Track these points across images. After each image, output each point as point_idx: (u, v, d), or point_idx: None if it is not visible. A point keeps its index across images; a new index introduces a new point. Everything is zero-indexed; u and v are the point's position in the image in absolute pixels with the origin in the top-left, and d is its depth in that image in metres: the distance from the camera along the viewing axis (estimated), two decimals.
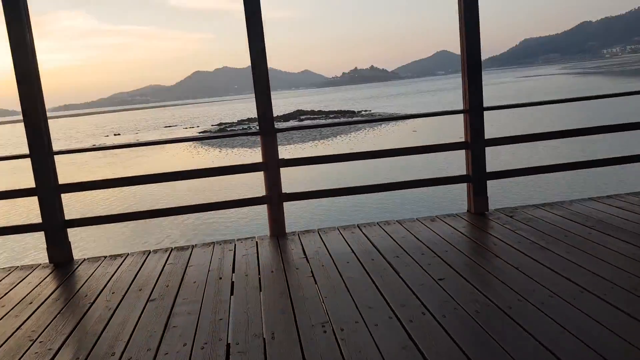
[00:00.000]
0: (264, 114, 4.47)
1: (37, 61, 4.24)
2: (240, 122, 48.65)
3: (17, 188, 4.50)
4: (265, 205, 4.71)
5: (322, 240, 4.43)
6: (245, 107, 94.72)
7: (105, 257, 4.59)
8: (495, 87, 71.79)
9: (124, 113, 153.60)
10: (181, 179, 4.72)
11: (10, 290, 3.95)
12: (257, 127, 4.57)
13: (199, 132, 41.48)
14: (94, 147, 4.43)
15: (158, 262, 4.27)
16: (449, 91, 75.67)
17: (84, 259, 4.56)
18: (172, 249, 4.60)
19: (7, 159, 4.46)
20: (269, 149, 4.56)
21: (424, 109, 43.18)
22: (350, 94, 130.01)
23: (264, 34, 4.32)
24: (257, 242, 4.60)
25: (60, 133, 61.10)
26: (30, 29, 4.16)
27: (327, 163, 4.82)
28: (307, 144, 26.26)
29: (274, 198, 4.62)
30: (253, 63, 4.34)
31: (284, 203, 4.67)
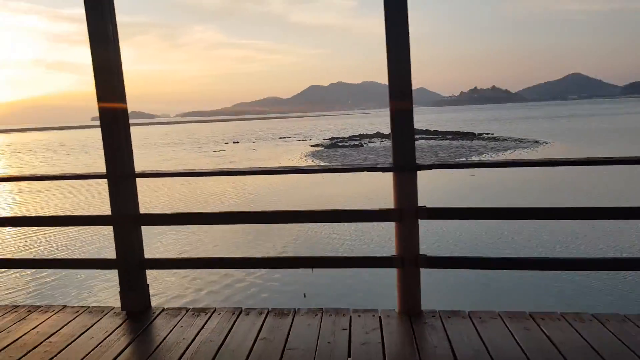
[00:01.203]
0: (402, 144, 3.21)
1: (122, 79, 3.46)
2: (352, 137, 48.09)
3: (92, 214, 3.75)
4: (394, 270, 3.43)
5: (478, 333, 3.04)
6: (357, 123, 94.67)
7: (187, 310, 3.65)
8: None
9: (243, 122, 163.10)
10: (296, 220, 3.62)
11: (76, 339, 3.18)
12: (384, 157, 3.32)
13: (311, 145, 41.61)
14: (179, 171, 3.49)
15: (249, 332, 3.21)
16: (586, 118, 68.20)
17: (162, 310, 3.66)
18: (268, 312, 3.53)
19: (83, 177, 3.75)
20: (405, 192, 3.28)
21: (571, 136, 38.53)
22: (470, 114, 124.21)
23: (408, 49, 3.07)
24: (380, 320, 3.33)
25: (185, 137, 65.75)
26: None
27: (490, 219, 3.41)
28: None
29: (409, 261, 3.33)
30: (394, 85, 3.11)
31: (423, 269, 3.36)
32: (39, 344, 3.13)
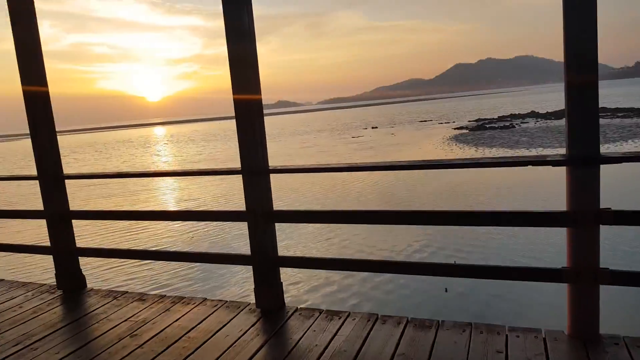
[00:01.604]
0: (582, 130, 2.54)
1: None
2: (501, 118, 44.67)
3: (227, 210, 3.74)
4: (564, 284, 2.80)
5: None
6: (507, 102, 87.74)
7: (320, 312, 3.47)
8: None
9: (383, 106, 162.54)
10: (428, 222, 3.19)
11: (213, 335, 3.21)
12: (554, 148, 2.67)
13: (454, 128, 39.62)
14: (312, 166, 3.26)
15: (386, 345, 2.90)
16: None
17: (296, 309, 3.53)
18: (407, 322, 3.17)
19: (219, 173, 3.76)
20: (584, 190, 2.62)
21: None
22: None
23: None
24: (546, 343, 2.76)
25: (325, 124, 67.76)
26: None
27: None
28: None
29: (586, 276, 2.68)
30: (574, 53, 2.45)
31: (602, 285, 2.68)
32: (179, 339, 3.21)
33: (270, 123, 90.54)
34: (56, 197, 4.25)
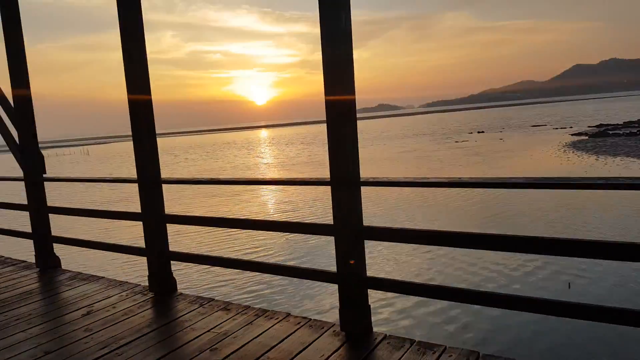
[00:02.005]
0: None
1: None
2: (628, 124, 40.17)
3: (314, 222, 3.52)
4: None
5: None
6: (635, 106, 78.82)
7: (412, 342, 3.11)
8: None
9: (491, 110, 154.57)
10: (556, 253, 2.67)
11: (293, 359, 3.00)
12: None
13: (572, 134, 36.31)
14: (410, 180, 2.91)
15: None
16: None
17: (384, 337, 3.21)
18: None
19: (307, 183, 3.56)
20: None
21: None
22: None
23: None
24: None
25: (427, 128, 65.95)
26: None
27: None
28: None
29: None
30: None
31: None
32: (258, 358, 3.04)
33: (369, 126, 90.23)
34: (153, 201, 4.35)
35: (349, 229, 3.20)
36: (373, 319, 3.40)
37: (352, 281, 3.25)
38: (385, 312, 6.23)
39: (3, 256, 6.31)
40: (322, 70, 3.17)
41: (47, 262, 5.52)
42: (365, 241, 3.27)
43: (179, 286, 4.53)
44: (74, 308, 4.22)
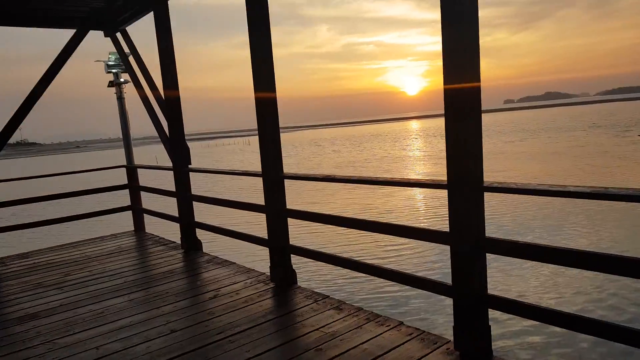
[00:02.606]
0: None
1: None
2: None
3: (429, 228, 3.24)
4: None
5: None
6: None
7: None
8: None
9: None
10: None
11: None
12: None
13: None
14: (557, 188, 2.48)
15: None
16: None
17: None
18: None
19: (421, 185, 3.28)
20: None
21: None
22: None
23: None
24: None
25: (604, 119, 58.16)
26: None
27: None
28: None
29: None
30: None
31: None
32: None
33: (536, 116, 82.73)
34: (275, 195, 4.49)
35: (466, 239, 2.89)
36: (495, 343, 3.05)
37: (470, 298, 2.94)
38: (507, 332, 5.54)
39: (158, 236, 7.16)
40: (442, 56, 2.89)
41: (190, 245, 6.10)
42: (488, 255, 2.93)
43: (298, 278, 4.64)
44: (204, 290, 4.58)
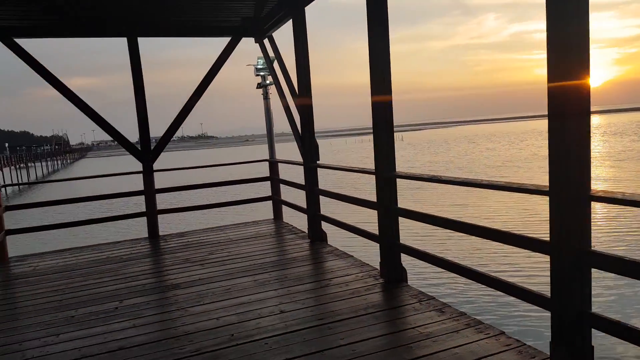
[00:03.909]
0: None
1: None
2: None
3: (528, 235, 3.05)
4: None
5: None
6: None
7: None
8: None
9: None
10: None
11: None
12: None
13: None
14: None
15: None
16: None
17: None
18: None
19: (521, 191, 3.04)
20: None
21: None
22: None
23: None
24: None
25: None
26: None
27: None
28: None
29: None
30: None
31: None
32: None
33: None
34: (386, 193, 4.60)
35: (567, 251, 2.69)
36: None
37: (569, 314, 2.73)
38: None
39: (292, 225, 7.73)
40: (546, 50, 2.72)
41: (315, 235, 6.50)
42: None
43: (409, 276, 4.68)
44: (319, 278, 4.89)
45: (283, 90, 7.33)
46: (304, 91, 6.33)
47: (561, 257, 2.72)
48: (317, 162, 6.41)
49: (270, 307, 4.16)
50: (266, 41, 7.80)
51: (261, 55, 8.21)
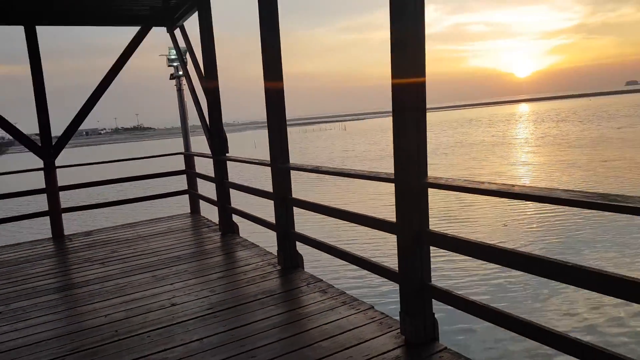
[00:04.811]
0: None
1: None
2: None
3: None
4: None
5: None
6: None
7: None
8: None
9: None
10: None
11: (344, 350, 3.11)
12: None
13: None
14: None
15: None
16: None
17: (445, 348, 2.99)
18: None
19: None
20: None
21: None
22: None
23: None
24: None
25: None
26: None
27: None
28: None
29: None
30: None
31: None
32: (312, 344, 3.23)
33: None
34: (281, 184, 4.86)
35: (409, 231, 3.06)
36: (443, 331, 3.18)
37: (413, 286, 3.10)
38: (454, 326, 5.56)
39: (206, 218, 7.88)
40: (390, 51, 3.02)
41: (227, 228, 6.69)
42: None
43: (306, 262, 4.98)
44: (219, 270, 5.09)
45: (193, 83, 7.43)
46: (211, 81, 6.46)
47: (404, 236, 3.08)
48: (227, 154, 6.58)
49: (162, 301, 4.32)
50: (177, 31, 7.82)
51: (172, 45, 8.23)
